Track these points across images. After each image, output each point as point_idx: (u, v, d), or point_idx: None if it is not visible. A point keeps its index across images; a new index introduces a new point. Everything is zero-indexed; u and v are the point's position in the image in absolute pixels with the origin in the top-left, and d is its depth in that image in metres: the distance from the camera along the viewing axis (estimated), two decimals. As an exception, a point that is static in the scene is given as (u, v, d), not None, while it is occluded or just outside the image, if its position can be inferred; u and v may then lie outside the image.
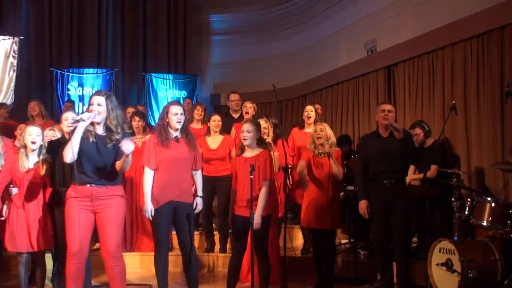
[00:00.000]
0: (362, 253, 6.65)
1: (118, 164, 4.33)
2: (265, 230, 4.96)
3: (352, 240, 6.83)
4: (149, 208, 4.75)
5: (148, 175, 4.83)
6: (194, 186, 5.10)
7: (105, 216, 4.31)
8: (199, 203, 4.96)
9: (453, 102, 5.81)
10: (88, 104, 4.35)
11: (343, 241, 7.20)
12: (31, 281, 5.35)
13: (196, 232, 6.75)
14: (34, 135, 5.06)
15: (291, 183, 6.56)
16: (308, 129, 6.67)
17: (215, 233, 6.90)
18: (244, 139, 5.03)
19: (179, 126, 4.84)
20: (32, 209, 5.02)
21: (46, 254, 5.38)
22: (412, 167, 6.35)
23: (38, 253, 5.14)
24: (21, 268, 5.07)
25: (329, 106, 10.08)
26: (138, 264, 6.77)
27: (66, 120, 5.26)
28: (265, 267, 5.02)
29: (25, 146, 5.07)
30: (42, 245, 5.07)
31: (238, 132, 6.85)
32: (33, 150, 5.08)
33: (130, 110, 7.55)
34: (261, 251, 4.96)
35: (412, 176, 6.26)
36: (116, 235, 4.34)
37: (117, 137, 4.34)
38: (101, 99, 4.32)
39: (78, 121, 4.19)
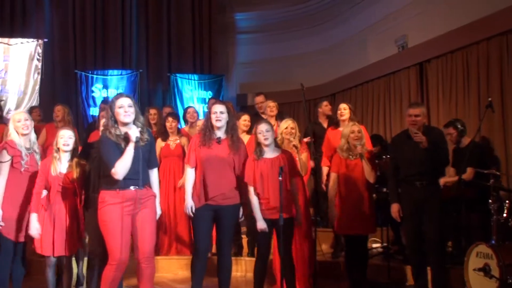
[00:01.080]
0: (396, 257, 6.53)
1: None
2: (291, 232, 5.03)
3: (384, 244, 6.75)
4: (189, 204, 4.81)
5: (189, 173, 4.91)
6: None
7: (143, 218, 4.36)
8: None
9: (489, 99, 5.70)
10: (113, 107, 4.36)
11: (374, 245, 7.12)
12: (57, 285, 5.36)
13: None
14: (66, 138, 5.09)
15: (324, 183, 6.53)
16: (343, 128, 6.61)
17: (243, 236, 6.89)
18: (266, 138, 5.04)
19: (218, 124, 4.85)
20: (59, 213, 5.04)
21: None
22: (452, 168, 6.28)
23: (65, 257, 5.16)
24: (49, 271, 5.12)
25: (359, 105, 10.00)
26: (166, 268, 6.78)
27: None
28: (291, 268, 5.05)
29: (58, 150, 5.11)
30: (68, 250, 5.10)
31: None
32: (65, 152, 5.11)
33: (153, 111, 7.63)
34: (287, 253, 4.99)
35: (446, 178, 6.16)
36: (153, 236, 4.43)
37: (146, 136, 4.42)
38: (129, 101, 4.37)
39: (137, 140, 4.26)
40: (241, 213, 4.94)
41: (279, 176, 4.73)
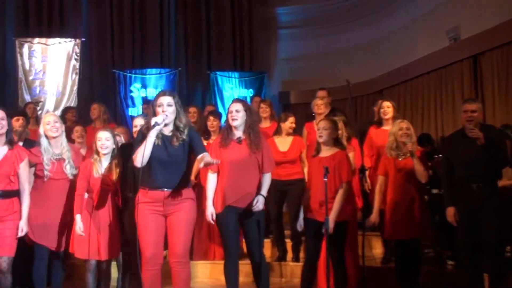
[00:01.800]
0: (449, 263, 6.44)
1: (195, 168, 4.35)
2: (341, 237, 4.96)
3: (437, 248, 6.61)
4: (209, 211, 4.80)
5: (210, 177, 4.92)
6: None
7: (176, 219, 4.39)
8: (259, 201, 4.78)
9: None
10: (154, 105, 4.44)
11: (425, 250, 6.95)
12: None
13: (266, 240, 6.73)
14: (103, 140, 5.17)
15: (369, 187, 6.48)
16: (387, 127, 6.53)
17: (287, 240, 6.86)
18: (320, 136, 5.09)
19: (234, 123, 4.83)
20: (101, 216, 5.13)
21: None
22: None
23: (104, 262, 5.24)
24: (89, 275, 5.20)
25: (408, 101, 9.88)
26: (207, 273, 6.80)
27: (135, 127, 5.39)
28: (342, 277, 4.98)
29: (98, 152, 5.20)
30: (109, 254, 5.19)
31: (310, 133, 6.92)
32: (105, 155, 5.20)
33: (192, 110, 7.64)
34: (336, 259, 4.94)
35: (505, 181, 5.98)
36: (186, 239, 4.43)
37: (184, 136, 4.43)
38: (170, 99, 4.42)
39: (154, 125, 4.28)
40: (255, 201, 4.76)
41: (324, 177, 4.68)
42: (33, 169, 5.06)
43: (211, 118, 6.98)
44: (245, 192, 4.79)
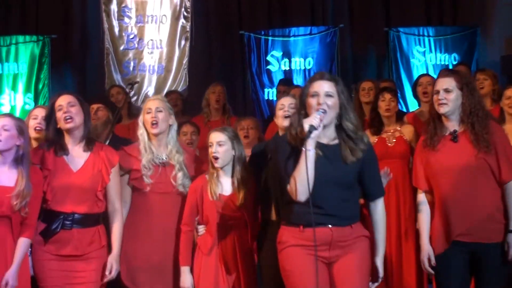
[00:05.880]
0: None
1: None
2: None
3: None
4: (425, 252, 4.74)
5: (421, 201, 4.85)
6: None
7: (346, 269, 4.26)
8: None
9: None
10: (305, 95, 4.25)
11: None
12: None
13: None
14: (214, 147, 5.17)
15: None
16: None
17: None
18: None
19: (443, 110, 4.71)
20: (225, 255, 5.09)
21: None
22: None
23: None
24: None
25: None
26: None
27: (281, 109, 5.17)
28: None
29: (213, 164, 5.22)
30: None
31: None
32: (221, 169, 5.13)
33: (367, 85, 7.66)
34: None
35: None
36: None
37: (362, 146, 4.20)
38: (330, 87, 4.19)
39: (309, 132, 4.02)
40: (506, 246, 4.59)
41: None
42: (125, 178, 5.12)
43: (387, 97, 6.75)
44: (480, 217, 4.59)
